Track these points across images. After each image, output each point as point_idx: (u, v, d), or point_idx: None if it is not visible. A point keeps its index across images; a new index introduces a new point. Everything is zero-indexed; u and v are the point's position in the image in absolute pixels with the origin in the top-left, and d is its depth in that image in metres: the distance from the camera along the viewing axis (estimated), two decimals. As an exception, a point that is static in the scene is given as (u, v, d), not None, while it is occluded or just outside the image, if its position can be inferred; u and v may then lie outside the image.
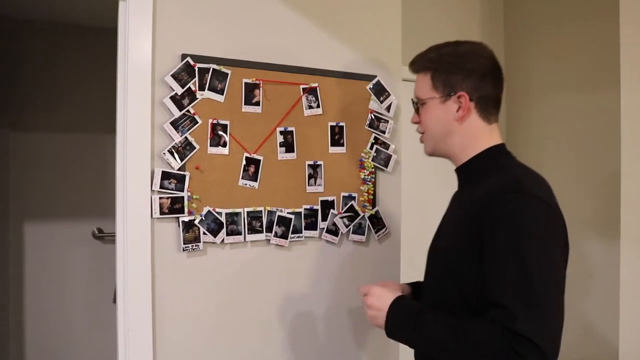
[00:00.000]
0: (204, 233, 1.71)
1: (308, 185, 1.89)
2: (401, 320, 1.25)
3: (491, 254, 1.13)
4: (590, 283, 2.66)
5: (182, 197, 1.68)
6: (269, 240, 1.82)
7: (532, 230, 1.13)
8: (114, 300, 3.25)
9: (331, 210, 1.92)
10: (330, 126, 1.93)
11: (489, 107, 1.31)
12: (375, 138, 2.00)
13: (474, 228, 1.18)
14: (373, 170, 1.99)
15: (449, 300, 1.25)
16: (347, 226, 1.95)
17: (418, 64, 1.37)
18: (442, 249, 1.34)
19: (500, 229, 1.13)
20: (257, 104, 1.80)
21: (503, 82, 1.35)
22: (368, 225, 1.99)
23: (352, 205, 1.95)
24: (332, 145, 1.93)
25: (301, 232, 1.87)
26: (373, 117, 1.99)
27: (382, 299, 1.29)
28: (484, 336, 1.09)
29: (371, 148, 1.99)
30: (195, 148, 1.70)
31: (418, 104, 1.37)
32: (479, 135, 1.32)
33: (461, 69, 1.29)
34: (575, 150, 2.79)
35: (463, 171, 1.36)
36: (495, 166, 1.30)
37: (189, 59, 1.69)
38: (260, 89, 1.81)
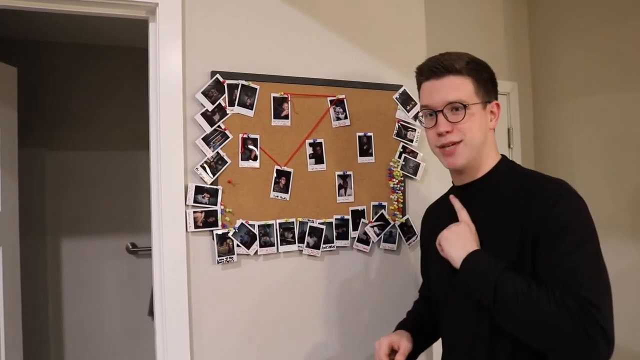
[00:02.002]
0: (238, 245, 1.74)
1: (338, 196, 1.91)
2: (487, 259, 1.19)
3: (558, 247, 1.13)
4: (619, 287, 2.62)
5: (216, 211, 1.71)
6: (302, 250, 1.84)
7: (590, 226, 1.17)
8: (149, 313, 3.31)
9: (362, 220, 1.94)
10: (359, 136, 1.95)
11: None
12: (404, 147, 2.01)
13: (527, 231, 1.18)
14: (402, 178, 2.00)
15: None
16: (377, 235, 1.96)
17: (456, 67, 1.27)
18: None
19: (563, 224, 1.14)
20: (286, 117, 1.83)
21: None
22: (399, 233, 1.99)
23: (382, 214, 1.97)
24: (360, 155, 1.95)
25: (333, 242, 1.89)
26: (400, 126, 2.01)
27: (465, 236, 1.25)
28: (563, 310, 1.07)
29: (399, 157, 2.00)
30: (227, 162, 1.74)
31: (451, 109, 1.27)
32: (495, 144, 1.36)
33: (493, 78, 1.33)
34: (605, 152, 2.75)
35: (475, 186, 1.35)
36: (516, 174, 1.32)
37: (218, 75, 1.73)
38: (289, 102, 1.84)
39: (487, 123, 1.31)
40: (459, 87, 1.27)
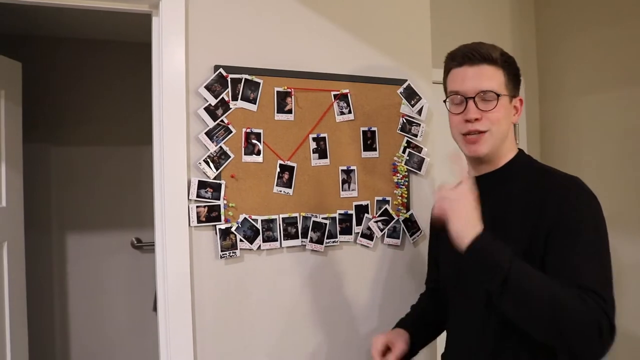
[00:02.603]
0: (241, 240, 1.74)
1: (342, 191, 1.90)
2: (497, 242, 1.16)
3: (568, 245, 1.16)
4: (622, 281, 2.60)
5: (219, 206, 1.71)
6: (305, 245, 1.84)
7: (602, 223, 1.20)
8: (154, 308, 3.32)
9: (365, 215, 1.93)
10: (363, 131, 1.94)
11: None
12: (408, 142, 2.00)
13: (541, 229, 1.20)
14: (406, 173, 1.99)
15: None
16: (381, 230, 1.95)
17: (493, 56, 1.30)
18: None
19: (576, 223, 1.17)
20: (290, 111, 1.83)
21: None
22: (403, 228, 1.99)
23: (386, 209, 1.96)
24: (364, 150, 1.94)
25: (336, 237, 1.88)
26: (405, 120, 1.99)
27: (473, 211, 1.20)
28: (582, 302, 1.08)
29: (404, 152, 1.99)
30: (230, 157, 1.73)
31: (490, 98, 1.28)
32: (514, 138, 1.38)
33: (519, 74, 1.36)
34: (611, 148, 2.73)
35: (492, 177, 1.36)
36: (533, 169, 1.34)
37: (221, 70, 1.73)
38: (292, 96, 1.83)
39: (511, 116, 1.34)
40: (493, 77, 1.29)
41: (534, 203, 1.24)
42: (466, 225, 1.18)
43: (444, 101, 1.40)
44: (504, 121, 1.30)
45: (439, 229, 1.34)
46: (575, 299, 1.08)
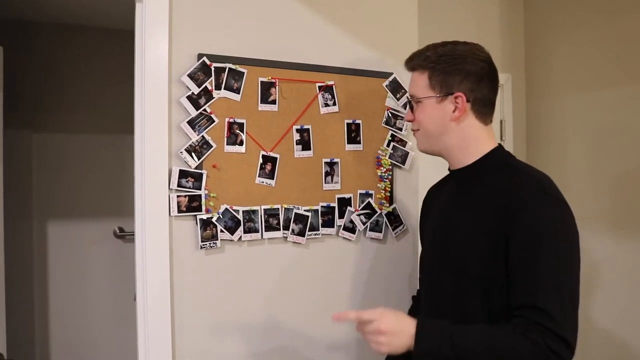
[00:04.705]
0: (222, 231, 1.72)
1: (325, 183, 1.89)
2: (434, 336, 1.16)
3: (523, 257, 1.16)
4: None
5: (200, 195, 1.69)
6: (286, 237, 1.83)
7: (561, 233, 1.18)
8: (135, 298, 3.30)
9: (348, 208, 1.92)
10: (347, 124, 1.93)
11: (485, 108, 1.34)
12: (392, 135, 1.99)
13: (500, 232, 1.19)
14: (390, 167, 1.99)
15: (468, 307, 1.25)
16: (364, 223, 1.94)
17: (415, 62, 1.36)
18: (460, 255, 1.29)
19: (532, 232, 1.16)
20: (274, 102, 1.81)
21: (498, 84, 1.37)
22: (385, 222, 1.98)
23: (369, 202, 1.95)
24: (348, 142, 1.93)
25: (318, 230, 1.87)
26: (390, 114, 1.99)
27: (402, 320, 1.21)
28: (522, 343, 1.11)
29: (388, 145, 1.99)
30: (212, 147, 1.71)
31: (413, 102, 1.38)
32: (478, 136, 1.34)
33: (459, 70, 1.30)
34: (596, 146, 2.74)
35: (466, 172, 1.36)
36: (504, 167, 1.32)
37: (205, 58, 1.71)
38: (277, 87, 1.81)
39: (445, 115, 1.33)
40: (416, 82, 1.36)
41: (497, 207, 1.22)
42: (402, 342, 1.18)
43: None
44: (428, 122, 1.35)
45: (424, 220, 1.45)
46: (516, 347, 1.11)
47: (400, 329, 1.18)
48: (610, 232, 2.60)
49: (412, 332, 1.17)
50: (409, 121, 1.42)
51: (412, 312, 1.68)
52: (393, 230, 2.00)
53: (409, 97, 1.40)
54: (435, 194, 1.55)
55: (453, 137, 1.34)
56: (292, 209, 1.83)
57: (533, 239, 1.15)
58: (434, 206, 1.49)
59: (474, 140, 1.34)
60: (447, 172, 1.46)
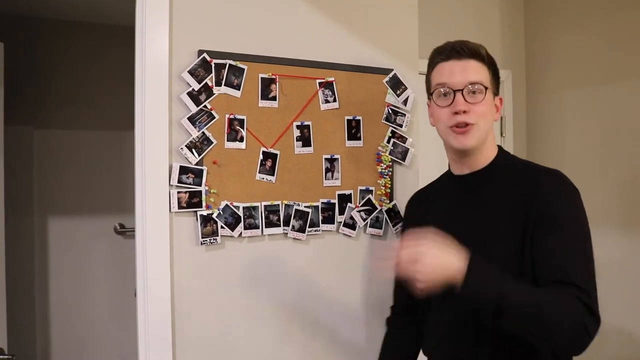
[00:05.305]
0: (222, 227, 1.72)
1: (325, 179, 1.89)
2: (486, 271, 1.15)
3: (555, 240, 1.20)
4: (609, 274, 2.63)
5: (200, 192, 1.70)
6: (287, 233, 1.83)
7: (584, 216, 1.24)
8: (136, 294, 3.30)
9: (348, 204, 1.92)
10: (347, 120, 1.93)
11: None
12: (392, 132, 1.99)
13: (529, 225, 1.24)
14: (390, 163, 1.99)
15: None
16: (364, 220, 1.95)
17: (480, 52, 1.34)
18: (500, 255, 1.25)
19: (557, 220, 1.21)
20: (274, 98, 1.81)
21: None
22: (385, 218, 1.98)
23: (369, 199, 1.95)
24: (349, 139, 1.93)
25: (318, 226, 1.88)
26: (390, 110, 1.99)
27: (451, 249, 1.17)
28: (566, 305, 1.12)
29: (388, 142, 1.99)
30: (212, 143, 1.71)
31: (478, 91, 1.30)
32: (493, 138, 1.41)
33: (499, 75, 1.41)
34: (597, 142, 2.75)
35: (484, 173, 1.38)
36: (512, 163, 1.38)
37: (205, 54, 1.71)
38: (277, 83, 1.81)
39: (494, 113, 1.37)
40: (480, 71, 1.32)
41: (519, 199, 1.27)
42: (449, 271, 1.15)
43: (429, 96, 1.41)
44: (489, 116, 1.33)
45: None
46: (560, 305, 1.12)
47: (451, 257, 1.16)
48: (610, 229, 2.60)
49: (460, 266, 1.14)
50: (464, 112, 1.30)
51: (390, 343, 1.70)
52: (393, 226, 2.00)
53: (474, 84, 1.30)
54: (427, 202, 1.57)
55: (490, 136, 1.38)
56: (293, 205, 1.83)
57: (561, 220, 1.21)
58: (432, 212, 1.49)
59: (493, 142, 1.41)
60: (445, 171, 1.48)
